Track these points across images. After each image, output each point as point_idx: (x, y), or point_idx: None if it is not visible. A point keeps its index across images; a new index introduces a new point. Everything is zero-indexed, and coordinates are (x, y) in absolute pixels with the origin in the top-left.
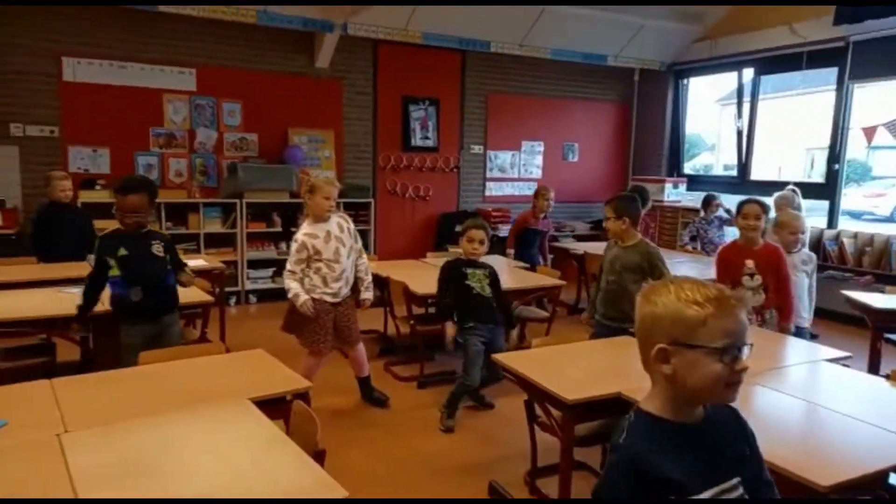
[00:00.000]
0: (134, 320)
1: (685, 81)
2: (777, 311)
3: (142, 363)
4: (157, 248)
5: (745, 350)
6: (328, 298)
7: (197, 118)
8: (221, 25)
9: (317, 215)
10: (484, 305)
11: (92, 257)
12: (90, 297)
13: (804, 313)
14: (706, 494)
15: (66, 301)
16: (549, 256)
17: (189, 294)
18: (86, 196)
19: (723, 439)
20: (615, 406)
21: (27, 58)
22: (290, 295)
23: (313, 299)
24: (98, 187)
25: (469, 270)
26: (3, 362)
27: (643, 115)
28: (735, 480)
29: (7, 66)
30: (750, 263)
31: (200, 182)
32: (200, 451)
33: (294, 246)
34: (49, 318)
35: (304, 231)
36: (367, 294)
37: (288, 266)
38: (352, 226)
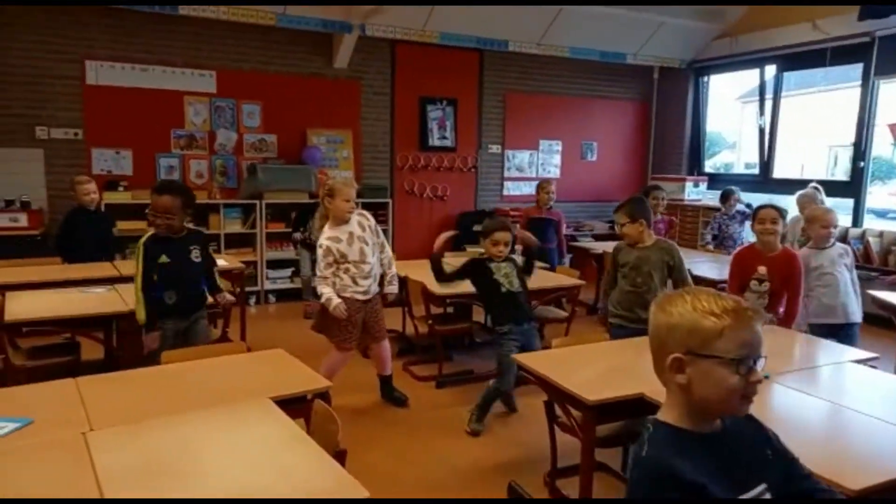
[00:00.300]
0: (166, 319)
1: (706, 79)
2: (780, 317)
3: (164, 362)
4: (195, 255)
5: (761, 362)
6: (359, 296)
7: (217, 120)
8: (241, 28)
9: (338, 218)
10: (516, 304)
11: (124, 262)
12: (151, 305)
13: (853, 307)
14: None
15: (90, 301)
16: (568, 255)
17: None
18: (109, 197)
19: (742, 447)
20: (637, 407)
21: (51, 62)
22: (322, 300)
23: (344, 298)
24: (121, 189)
25: (493, 265)
26: (28, 361)
27: (663, 114)
28: (761, 487)
29: (32, 70)
30: (762, 269)
31: (220, 183)
32: (223, 451)
33: (320, 252)
34: (74, 317)
35: (327, 235)
36: (391, 288)
37: (318, 273)
38: (372, 222)
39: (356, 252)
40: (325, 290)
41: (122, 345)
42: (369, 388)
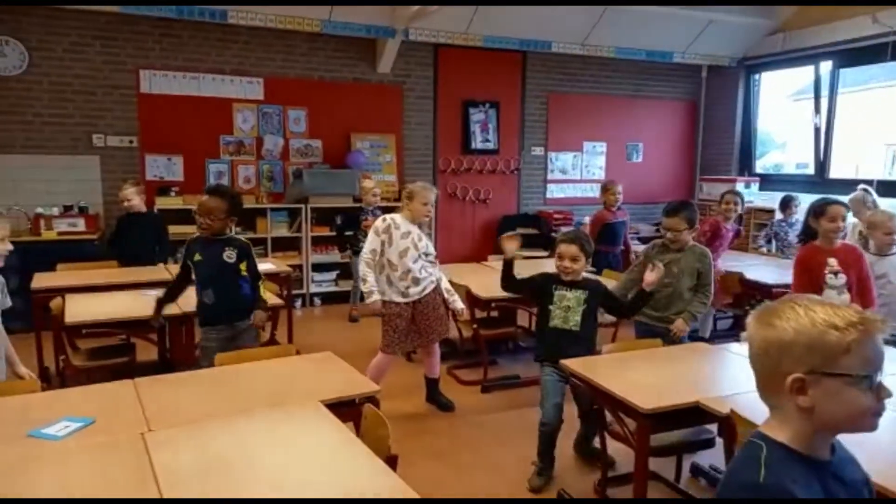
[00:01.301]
0: (210, 324)
1: (757, 77)
2: None
3: (217, 365)
4: (229, 255)
5: (879, 375)
6: (398, 299)
7: (264, 126)
8: (287, 35)
9: (415, 219)
10: (564, 344)
11: (176, 266)
12: (169, 292)
13: None
14: None
15: (145, 303)
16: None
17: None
18: (161, 202)
19: (852, 478)
20: (691, 416)
21: (108, 72)
22: (364, 288)
23: (384, 302)
24: (173, 194)
25: (558, 292)
26: (87, 361)
27: (711, 113)
28: None
29: (91, 81)
30: (833, 261)
31: (267, 188)
32: (278, 453)
33: (380, 225)
34: (130, 319)
35: (396, 217)
36: (457, 304)
37: (365, 251)
38: (426, 239)
39: (401, 246)
40: (370, 278)
41: (174, 347)
42: (414, 392)
